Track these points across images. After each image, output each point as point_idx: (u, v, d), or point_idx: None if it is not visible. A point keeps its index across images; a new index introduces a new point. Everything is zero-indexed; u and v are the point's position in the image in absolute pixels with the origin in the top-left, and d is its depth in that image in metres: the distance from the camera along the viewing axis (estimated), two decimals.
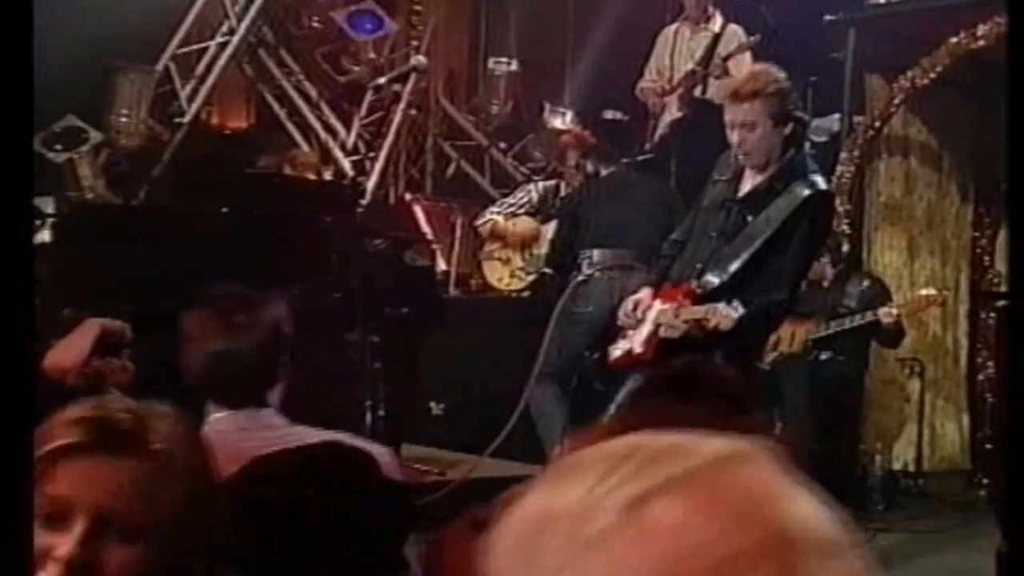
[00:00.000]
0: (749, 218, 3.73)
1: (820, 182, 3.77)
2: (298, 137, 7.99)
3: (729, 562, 0.62)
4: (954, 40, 5.85)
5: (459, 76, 9.20)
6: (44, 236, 4.64)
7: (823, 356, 5.80)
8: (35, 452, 1.34)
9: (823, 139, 7.09)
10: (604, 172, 5.91)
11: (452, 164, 8.77)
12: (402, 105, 8.07)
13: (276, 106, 8.15)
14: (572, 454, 0.69)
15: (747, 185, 3.79)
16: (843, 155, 6.38)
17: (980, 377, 6.47)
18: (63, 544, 1.30)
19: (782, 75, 3.78)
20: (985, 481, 6.02)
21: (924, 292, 5.80)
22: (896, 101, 6.25)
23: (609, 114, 8.54)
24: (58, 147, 6.71)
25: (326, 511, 2.03)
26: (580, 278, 5.46)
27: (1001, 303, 6.19)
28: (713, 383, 1.89)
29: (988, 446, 6.20)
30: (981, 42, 5.71)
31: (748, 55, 7.02)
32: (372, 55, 8.29)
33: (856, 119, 6.45)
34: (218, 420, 2.27)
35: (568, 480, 0.66)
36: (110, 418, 1.35)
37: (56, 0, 5.47)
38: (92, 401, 1.41)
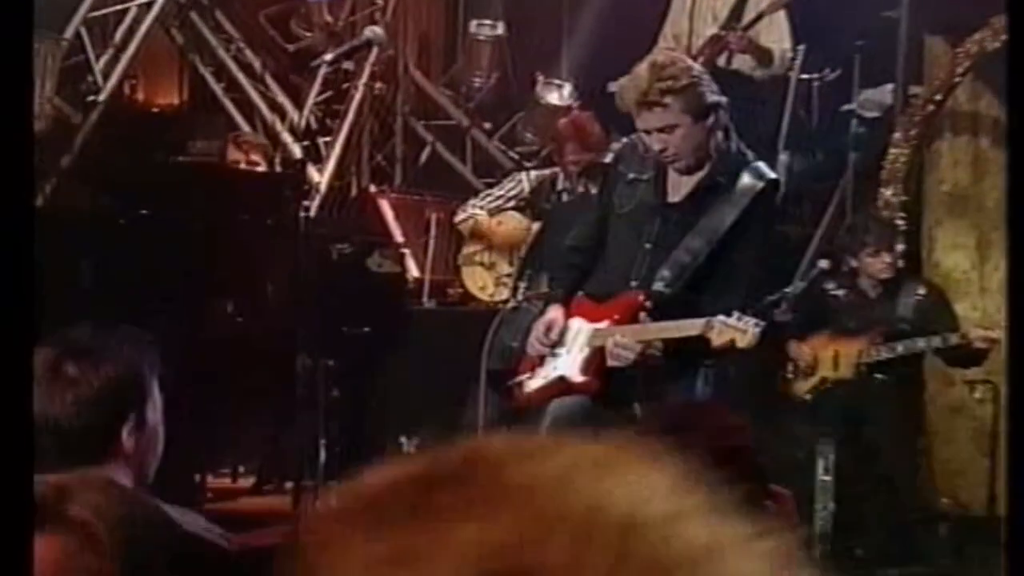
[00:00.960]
0: (693, 221, 3.97)
1: (767, 170, 4.08)
2: (238, 118, 8.01)
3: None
4: None
5: (434, 42, 9.21)
6: None
7: (879, 377, 5.85)
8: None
9: (873, 114, 7.16)
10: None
11: (426, 149, 8.79)
12: (364, 78, 8.10)
13: (212, 81, 8.17)
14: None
15: (683, 187, 4.03)
16: (896, 134, 6.43)
17: None
18: None
19: (688, 61, 4.12)
20: None
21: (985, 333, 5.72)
22: (961, 69, 6.29)
23: (616, 86, 8.56)
24: None
25: None
26: (510, 305, 5.61)
27: None
28: (715, 433, 1.90)
29: None
30: None
31: (783, 15, 7.09)
32: (328, 18, 8.32)
33: (912, 90, 6.52)
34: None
35: None
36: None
37: None
38: None
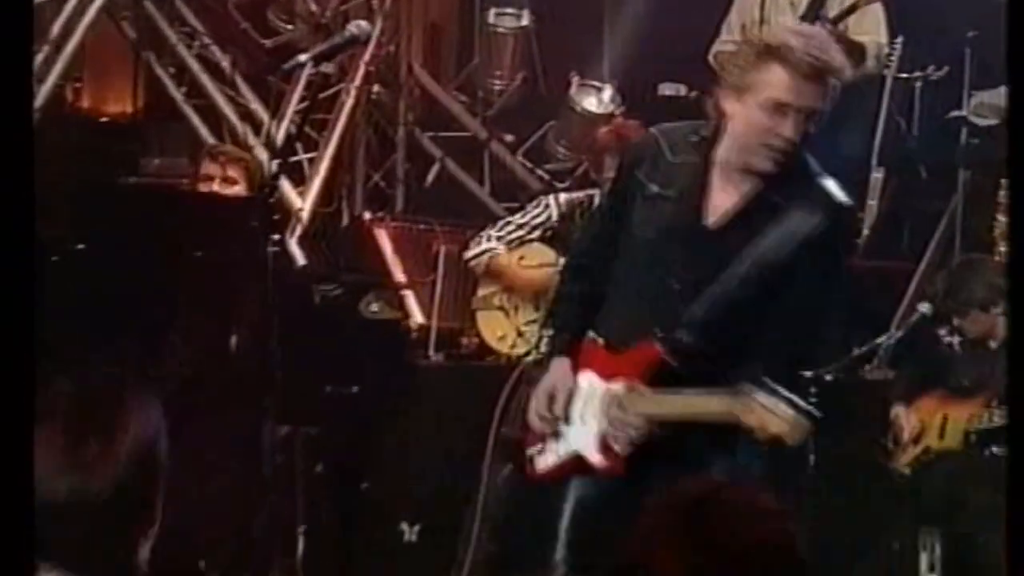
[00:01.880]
0: (735, 252, 3.90)
1: (838, 192, 3.97)
2: (202, 129, 7.98)
3: None
4: None
5: (445, 35, 9.18)
6: None
7: (995, 450, 5.80)
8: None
9: (988, 121, 7.16)
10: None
11: (434, 167, 8.73)
12: (357, 80, 8.06)
13: (171, 84, 8.16)
14: None
15: (721, 203, 3.95)
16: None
17: None
18: None
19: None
20: None
21: None
22: None
23: (669, 89, 8.53)
24: None
25: None
26: (532, 358, 5.65)
27: None
28: (750, 524, 1.99)
29: None
30: None
31: (878, 6, 7.05)
32: (313, 7, 8.30)
33: None
34: None
35: None
36: None
37: None
38: None
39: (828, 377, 5.83)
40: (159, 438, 2.39)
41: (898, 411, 6.03)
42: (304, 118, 7.44)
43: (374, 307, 6.53)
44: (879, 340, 6.15)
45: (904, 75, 7.48)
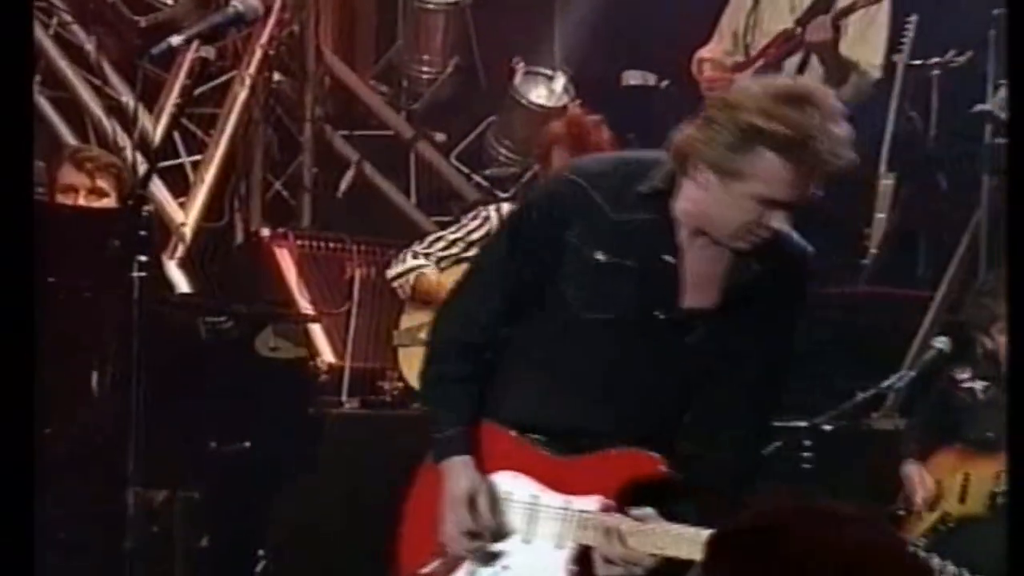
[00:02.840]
0: (725, 333, 3.84)
1: (804, 244, 3.90)
2: (61, 128, 7.94)
3: None
4: None
5: (361, 13, 9.19)
6: None
7: None
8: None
9: None
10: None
11: (348, 172, 8.74)
12: (253, 67, 8.06)
13: None
14: None
15: (701, 275, 3.82)
16: None
17: None
18: None
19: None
20: None
21: None
22: None
23: (634, 78, 8.56)
24: None
25: None
26: None
27: None
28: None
29: None
30: None
31: (885, 7, 7.17)
32: None
33: None
34: None
35: None
36: None
37: None
38: None
39: (827, 427, 5.94)
40: None
41: (910, 469, 6.02)
42: (182, 110, 7.46)
43: (273, 343, 6.45)
44: (888, 382, 6.17)
45: (918, 62, 7.51)
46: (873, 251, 7.49)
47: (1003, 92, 7.09)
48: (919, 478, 6.00)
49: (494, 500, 3.87)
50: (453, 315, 4.03)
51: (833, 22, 7.10)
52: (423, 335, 6.67)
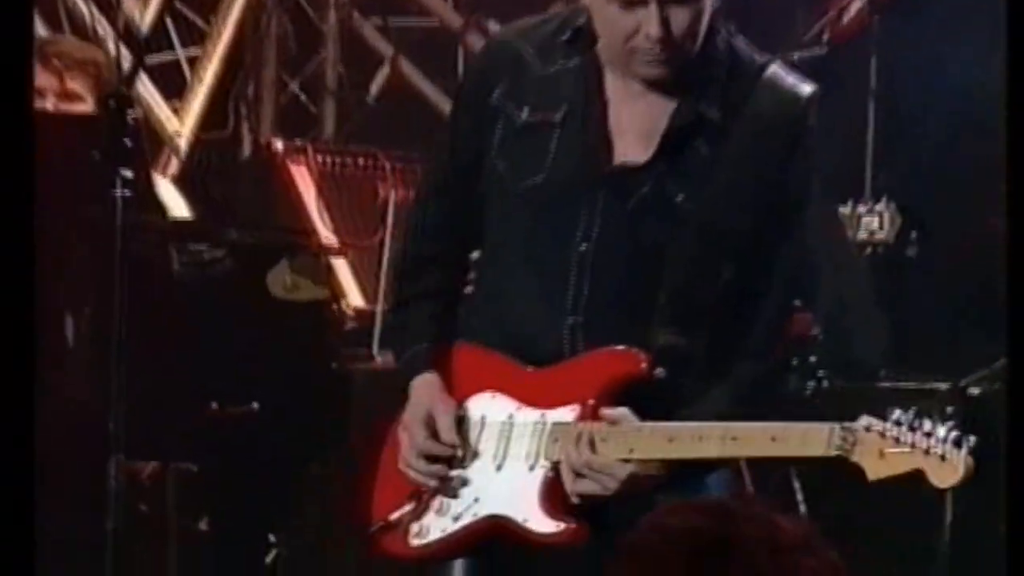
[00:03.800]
0: (671, 194, 3.87)
1: (798, 83, 3.94)
2: (37, 20, 7.36)
3: None
4: None
5: None
6: None
7: None
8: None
9: None
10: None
11: (381, 70, 8.78)
12: None
13: None
14: None
15: (634, 125, 3.90)
16: None
17: None
18: None
19: None
20: None
21: None
22: None
23: None
24: None
25: None
26: None
27: None
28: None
29: None
30: None
31: None
32: None
33: None
34: None
35: None
36: None
37: None
38: None
39: (973, 391, 6.03)
40: None
41: None
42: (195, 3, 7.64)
43: (288, 282, 6.11)
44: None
45: None
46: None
47: None
48: None
49: (457, 421, 3.98)
50: (406, 230, 4.27)
51: None
52: None
